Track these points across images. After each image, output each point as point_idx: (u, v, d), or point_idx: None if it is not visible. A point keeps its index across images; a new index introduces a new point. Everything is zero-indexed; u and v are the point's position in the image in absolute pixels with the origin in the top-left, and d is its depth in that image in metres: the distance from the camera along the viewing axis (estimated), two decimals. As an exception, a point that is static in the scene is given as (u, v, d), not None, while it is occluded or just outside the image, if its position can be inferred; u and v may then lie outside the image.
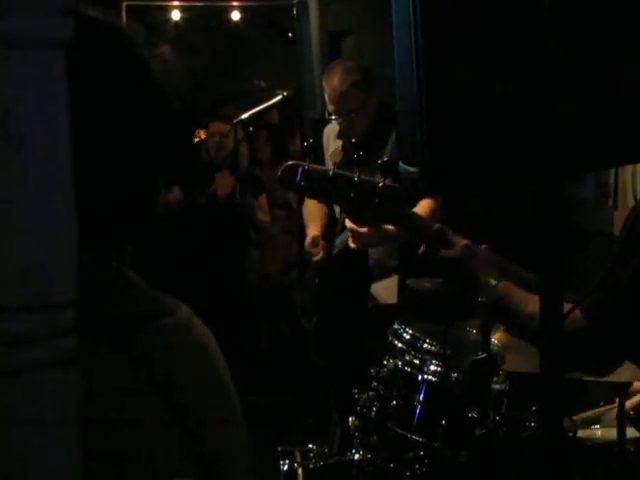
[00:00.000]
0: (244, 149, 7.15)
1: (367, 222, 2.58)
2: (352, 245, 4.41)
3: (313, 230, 4.99)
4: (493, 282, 2.25)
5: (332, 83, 4.58)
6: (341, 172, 2.45)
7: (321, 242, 4.90)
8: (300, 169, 2.45)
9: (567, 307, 2.02)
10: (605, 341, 2.16)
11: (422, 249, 2.32)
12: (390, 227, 2.60)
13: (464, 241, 2.29)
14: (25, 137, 0.86)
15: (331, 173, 2.43)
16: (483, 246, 2.33)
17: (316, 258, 4.91)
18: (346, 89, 4.54)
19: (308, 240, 4.95)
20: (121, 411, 1.19)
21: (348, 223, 4.43)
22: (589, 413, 3.57)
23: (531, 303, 2.05)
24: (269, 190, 7.13)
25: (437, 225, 2.34)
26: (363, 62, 4.80)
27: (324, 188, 2.42)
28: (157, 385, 1.22)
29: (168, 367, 1.25)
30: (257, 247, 7.27)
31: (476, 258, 2.27)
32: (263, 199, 7.07)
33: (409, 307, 4.45)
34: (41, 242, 0.90)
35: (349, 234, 4.39)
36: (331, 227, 5.01)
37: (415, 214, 2.48)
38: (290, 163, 2.51)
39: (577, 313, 2.13)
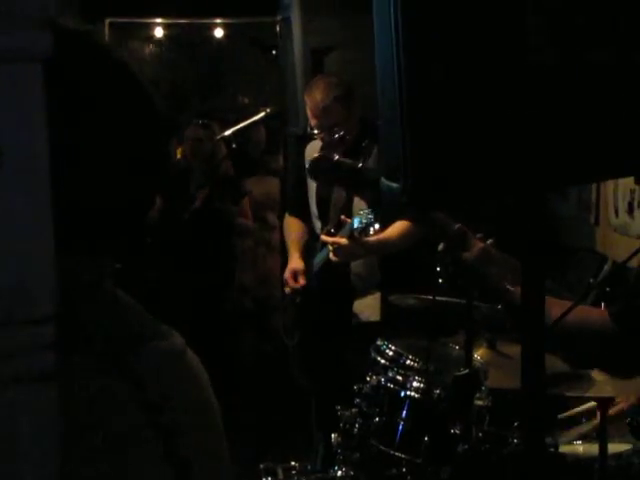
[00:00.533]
0: (227, 164, 7.13)
1: (392, 219, 2.57)
2: (333, 259, 4.41)
3: (294, 257, 4.99)
4: (510, 288, 2.23)
5: (314, 98, 4.59)
6: (369, 167, 2.45)
7: (301, 275, 4.90)
8: (329, 161, 2.45)
9: (561, 304, 2.03)
10: (634, 344, 2.15)
11: (441, 247, 2.30)
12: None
13: (481, 244, 2.27)
14: (3, 152, 0.85)
15: (360, 165, 2.43)
16: (489, 241, 2.31)
17: (291, 289, 4.92)
18: (328, 104, 4.56)
19: (288, 272, 4.96)
20: (107, 427, 1.18)
21: (328, 238, 4.44)
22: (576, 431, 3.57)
23: (555, 308, 2.03)
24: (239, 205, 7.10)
25: (458, 225, 2.31)
26: (345, 78, 4.81)
27: (351, 181, 2.42)
28: (146, 406, 1.21)
29: (159, 390, 1.24)
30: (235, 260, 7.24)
31: (493, 262, 2.25)
32: (245, 202, 7.02)
33: (392, 324, 4.45)
34: (19, 257, 0.89)
35: (330, 249, 4.39)
36: (311, 245, 5.01)
37: (437, 213, 2.46)
38: (318, 155, 2.51)
39: (606, 316, 2.13)
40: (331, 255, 4.37)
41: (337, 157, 2.35)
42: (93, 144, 1.21)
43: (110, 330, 1.23)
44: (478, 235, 2.33)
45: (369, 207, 4.25)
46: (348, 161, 2.34)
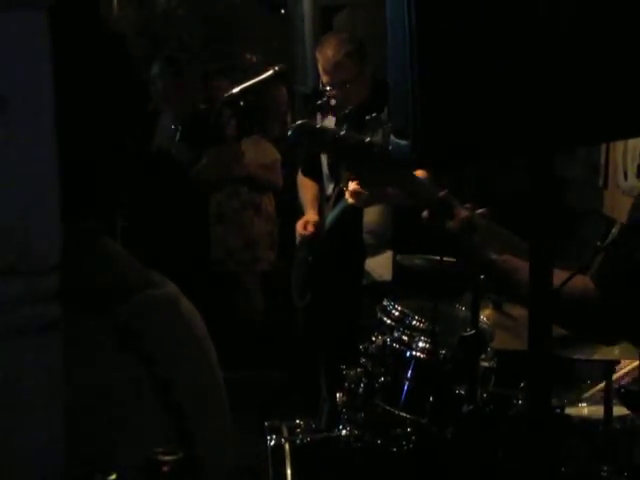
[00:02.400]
0: (233, 124, 7.06)
1: (373, 185, 2.54)
2: (351, 201, 4.39)
3: (310, 213, 4.98)
4: (494, 256, 2.21)
5: (326, 54, 4.58)
6: (351, 133, 2.43)
7: (312, 225, 4.88)
8: (312, 128, 2.44)
9: (564, 274, 2.01)
10: (616, 311, 2.13)
11: (425, 215, 2.27)
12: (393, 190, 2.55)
13: (465, 213, 2.25)
14: (8, 98, 0.84)
15: (342, 133, 2.41)
16: (481, 210, 2.29)
17: (301, 236, 4.91)
18: (340, 59, 4.54)
19: (300, 222, 4.95)
20: (101, 378, 1.18)
21: (350, 182, 4.39)
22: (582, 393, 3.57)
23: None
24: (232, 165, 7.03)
25: (442, 192, 2.29)
26: (356, 34, 4.79)
27: (333, 148, 2.39)
28: (140, 356, 1.21)
29: (150, 339, 1.23)
30: (219, 222, 7.20)
31: (477, 231, 2.23)
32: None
33: (399, 284, 4.45)
34: (24, 209, 0.88)
35: (348, 193, 4.37)
36: (323, 205, 5.00)
37: (420, 180, 2.44)
38: (301, 122, 2.49)
39: (590, 283, 2.11)
40: (349, 198, 4.34)
41: (368, 137, 2.33)
42: (77, 100, 1.21)
43: (98, 281, 1.23)
44: (480, 210, 2.30)
45: None
46: (355, 136, 2.32)
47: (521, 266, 2.16)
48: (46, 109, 0.90)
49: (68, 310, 0.92)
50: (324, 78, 4.62)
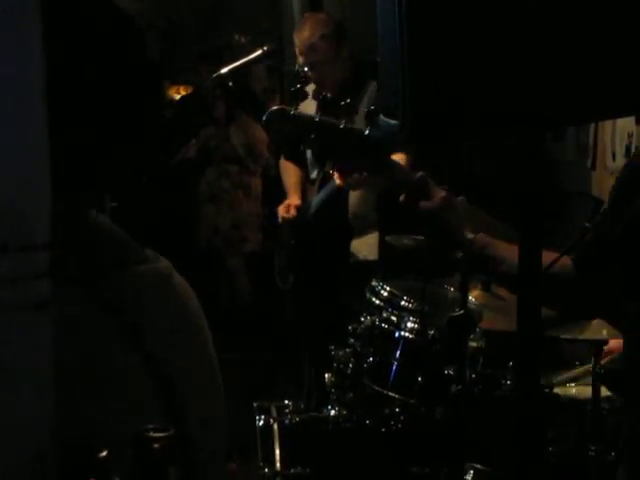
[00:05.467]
0: (220, 105, 7.05)
1: (348, 170, 2.54)
2: (339, 183, 4.37)
3: (294, 197, 4.97)
4: (470, 235, 2.23)
5: (301, 35, 4.60)
6: (326, 119, 2.42)
7: (294, 208, 4.88)
8: (285, 114, 2.43)
9: (552, 255, 2.03)
10: (591, 291, 2.15)
11: (402, 198, 2.28)
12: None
13: (443, 193, 2.26)
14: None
15: (317, 119, 2.40)
16: (460, 197, 2.30)
17: (282, 218, 4.91)
18: (315, 42, 4.56)
19: (282, 205, 4.95)
20: (90, 355, 1.17)
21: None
22: (570, 373, 3.58)
23: (510, 253, 2.04)
24: (221, 146, 7.04)
25: (419, 174, 2.29)
26: (335, 15, 4.78)
27: (308, 134, 2.39)
28: (126, 330, 1.20)
29: (143, 312, 1.23)
30: (209, 201, 7.20)
31: (454, 211, 2.24)
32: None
33: (389, 264, 4.45)
34: (15, 185, 0.88)
35: (337, 175, 4.35)
36: (306, 188, 4.99)
37: (396, 163, 2.44)
38: (276, 108, 2.48)
39: (568, 261, 2.13)
40: (337, 180, 4.33)
41: (343, 122, 2.31)
42: (81, 76, 1.20)
43: (87, 256, 1.23)
44: (460, 198, 2.31)
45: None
46: (331, 122, 2.31)
47: (497, 244, 2.19)
48: (37, 89, 0.89)
49: (58, 281, 0.92)
50: (299, 59, 4.64)
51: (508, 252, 2.12)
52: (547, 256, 1.96)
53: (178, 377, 1.26)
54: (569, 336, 3.20)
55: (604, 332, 3.08)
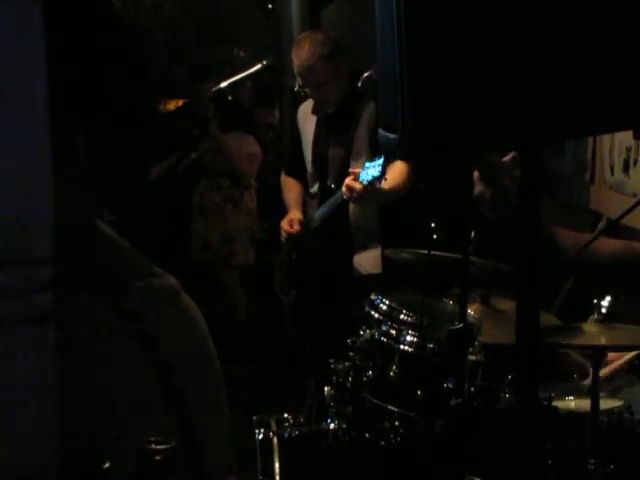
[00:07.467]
0: (216, 120, 7.04)
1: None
2: (346, 196, 4.38)
3: (295, 212, 4.97)
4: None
5: (300, 56, 4.56)
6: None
7: (297, 223, 4.89)
8: None
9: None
10: None
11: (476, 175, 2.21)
12: None
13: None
14: (2, 88, 0.84)
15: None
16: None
17: (287, 233, 4.92)
18: (313, 63, 4.52)
19: (285, 220, 4.95)
20: (104, 364, 1.18)
21: (350, 181, 4.38)
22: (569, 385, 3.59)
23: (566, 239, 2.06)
24: (213, 160, 7.05)
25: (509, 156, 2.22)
26: (334, 26, 4.79)
27: None
28: (143, 340, 1.21)
29: (154, 324, 1.24)
30: (200, 215, 7.21)
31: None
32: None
33: (387, 278, 4.46)
34: (18, 197, 0.88)
35: (344, 190, 4.37)
36: (306, 203, 5.00)
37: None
38: None
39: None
40: (345, 194, 4.35)
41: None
42: (83, 91, 1.21)
43: (103, 267, 1.24)
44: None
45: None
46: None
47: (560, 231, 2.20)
48: (40, 93, 0.89)
49: (71, 293, 0.92)
50: (299, 80, 4.62)
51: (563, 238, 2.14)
52: (567, 235, 1.98)
53: (190, 389, 1.27)
54: (567, 342, 3.20)
55: (602, 339, 3.07)
